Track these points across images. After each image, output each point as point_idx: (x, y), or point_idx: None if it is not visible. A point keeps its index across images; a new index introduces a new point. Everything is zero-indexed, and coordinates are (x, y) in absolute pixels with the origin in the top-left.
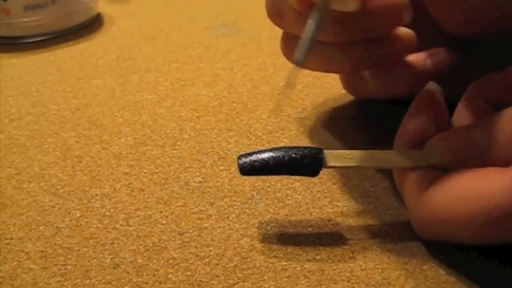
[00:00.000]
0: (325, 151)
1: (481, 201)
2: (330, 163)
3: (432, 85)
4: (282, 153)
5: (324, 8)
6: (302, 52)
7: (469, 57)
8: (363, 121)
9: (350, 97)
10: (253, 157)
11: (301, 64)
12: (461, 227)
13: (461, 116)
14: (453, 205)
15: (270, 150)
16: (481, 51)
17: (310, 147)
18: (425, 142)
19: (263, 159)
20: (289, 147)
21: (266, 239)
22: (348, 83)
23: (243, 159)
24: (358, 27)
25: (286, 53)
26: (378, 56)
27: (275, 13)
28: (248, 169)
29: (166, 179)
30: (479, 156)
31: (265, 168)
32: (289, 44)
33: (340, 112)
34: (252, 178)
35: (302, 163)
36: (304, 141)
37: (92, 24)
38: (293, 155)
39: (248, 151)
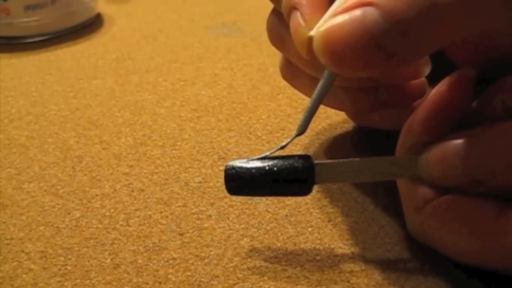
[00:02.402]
0: (316, 165)
1: (474, 245)
2: (322, 181)
3: (465, 71)
4: (272, 178)
5: (334, 74)
6: (306, 122)
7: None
8: None
9: None
10: (242, 182)
11: (303, 133)
12: (451, 255)
13: (476, 115)
14: (444, 240)
15: (259, 176)
16: None
17: (300, 167)
18: (430, 143)
19: (251, 187)
20: (278, 169)
21: (266, 239)
22: (350, 114)
23: (231, 184)
24: (371, 78)
25: (287, 78)
26: (385, 101)
27: (277, 39)
28: (236, 192)
29: (166, 179)
30: (474, 186)
31: (253, 192)
32: (290, 71)
33: (340, 112)
34: None
35: (293, 189)
36: (304, 141)
37: (92, 24)
38: (284, 180)
39: (237, 171)
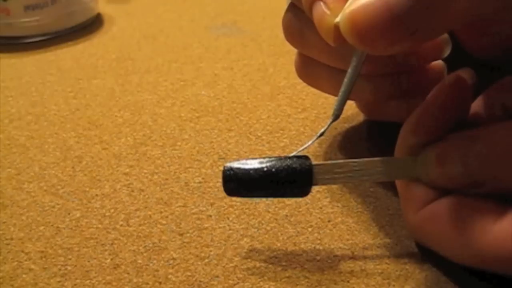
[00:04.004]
0: (314, 166)
1: (473, 248)
2: (320, 182)
3: (463, 72)
4: (269, 181)
5: (363, 55)
6: (341, 106)
7: (495, 79)
8: (363, 121)
9: None
10: (239, 183)
11: (339, 117)
12: (450, 257)
13: (475, 116)
14: (443, 242)
15: (257, 177)
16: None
17: (299, 168)
18: (428, 143)
19: (249, 189)
20: (276, 170)
21: (266, 239)
22: (365, 106)
23: (229, 184)
24: (394, 61)
25: (304, 75)
26: (407, 87)
27: (295, 34)
28: (234, 193)
29: (166, 179)
30: (473, 187)
31: (252, 193)
32: (308, 68)
33: None
34: None
35: (291, 190)
36: (304, 141)
37: (92, 24)
38: (282, 181)
39: (235, 172)
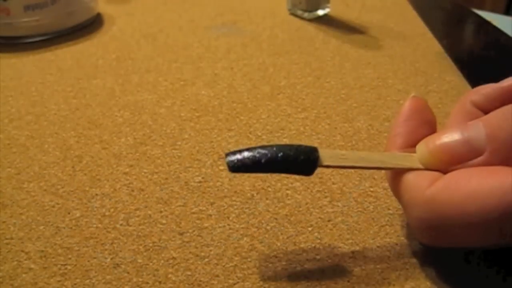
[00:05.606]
0: (320, 150)
1: (493, 198)
2: (325, 162)
3: (415, 94)
4: (276, 150)
5: None
6: None
7: None
8: (363, 122)
9: (349, 98)
10: (245, 154)
11: None
12: (471, 225)
13: (455, 120)
14: (462, 202)
15: (264, 147)
16: None
17: (305, 146)
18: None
19: (254, 157)
20: (283, 145)
21: (266, 239)
22: None
23: (233, 157)
24: None
25: None
26: None
27: None
28: (239, 166)
29: (166, 179)
30: (476, 157)
31: (257, 165)
32: None
33: (340, 112)
34: (251, 178)
35: (297, 161)
36: (304, 141)
37: (92, 24)
38: (287, 152)
39: (241, 148)
